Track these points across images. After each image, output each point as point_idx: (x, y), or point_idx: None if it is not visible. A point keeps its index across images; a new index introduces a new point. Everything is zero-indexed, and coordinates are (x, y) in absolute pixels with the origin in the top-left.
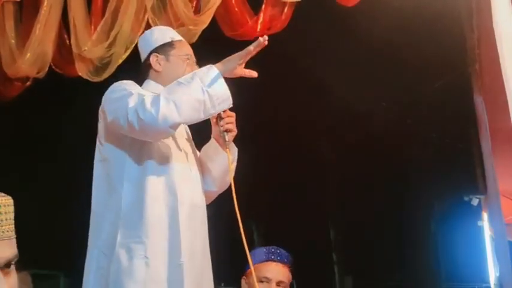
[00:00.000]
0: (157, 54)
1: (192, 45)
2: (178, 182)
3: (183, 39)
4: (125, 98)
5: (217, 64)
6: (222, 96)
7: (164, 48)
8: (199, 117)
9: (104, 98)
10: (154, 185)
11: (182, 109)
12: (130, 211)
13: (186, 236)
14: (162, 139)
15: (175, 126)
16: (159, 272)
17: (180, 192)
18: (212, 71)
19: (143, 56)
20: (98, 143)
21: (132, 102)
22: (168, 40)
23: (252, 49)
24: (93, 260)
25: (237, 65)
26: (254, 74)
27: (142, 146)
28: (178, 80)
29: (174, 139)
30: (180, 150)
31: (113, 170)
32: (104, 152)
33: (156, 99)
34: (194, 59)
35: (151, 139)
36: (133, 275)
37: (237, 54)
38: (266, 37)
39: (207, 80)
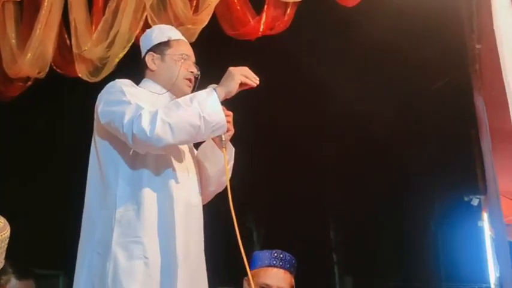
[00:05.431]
0: (154, 53)
1: (192, 44)
2: (174, 180)
3: (183, 39)
4: (122, 106)
5: (219, 88)
6: (218, 124)
7: (160, 47)
8: (192, 140)
9: (99, 97)
10: (150, 184)
11: (177, 133)
12: (126, 210)
13: (181, 235)
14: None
15: (167, 147)
16: (157, 271)
17: (176, 191)
18: (212, 97)
19: (142, 55)
20: (93, 141)
21: (128, 115)
22: (165, 39)
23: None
24: (85, 259)
25: (237, 86)
26: (254, 84)
27: None
28: (178, 101)
29: None
30: (177, 149)
31: (107, 168)
32: (98, 150)
33: (153, 119)
34: (193, 59)
35: (141, 152)
36: (132, 275)
37: (238, 74)
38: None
39: (206, 106)
